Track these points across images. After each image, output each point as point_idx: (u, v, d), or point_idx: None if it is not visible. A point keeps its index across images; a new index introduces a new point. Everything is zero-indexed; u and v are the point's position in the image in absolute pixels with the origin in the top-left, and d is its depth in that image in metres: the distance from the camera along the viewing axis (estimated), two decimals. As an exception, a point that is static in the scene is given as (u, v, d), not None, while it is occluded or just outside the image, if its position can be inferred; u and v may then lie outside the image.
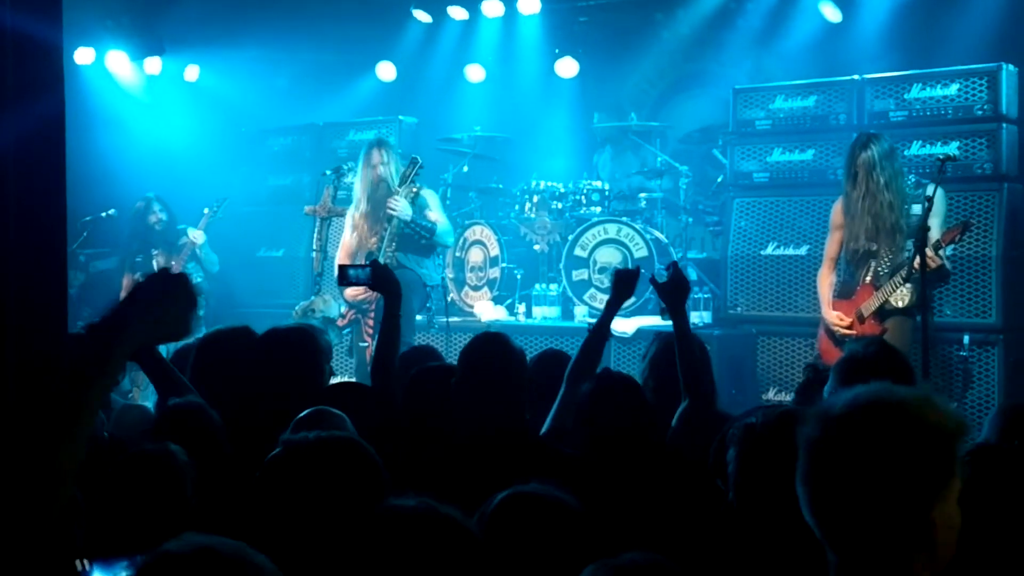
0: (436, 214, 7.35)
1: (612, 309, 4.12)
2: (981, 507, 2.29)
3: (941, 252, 5.75)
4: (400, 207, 7.05)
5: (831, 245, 6.42)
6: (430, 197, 7.42)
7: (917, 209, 6.00)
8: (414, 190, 7.15)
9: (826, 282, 6.38)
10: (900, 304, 6.01)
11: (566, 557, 2.18)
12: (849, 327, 6.11)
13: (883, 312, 6.05)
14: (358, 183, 7.37)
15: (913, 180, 6.19)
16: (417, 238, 7.20)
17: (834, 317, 6.17)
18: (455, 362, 3.73)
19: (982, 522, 2.25)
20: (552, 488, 2.33)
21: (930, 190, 5.96)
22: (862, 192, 6.02)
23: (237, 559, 1.70)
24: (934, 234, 5.86)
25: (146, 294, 1.96)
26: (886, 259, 6.06)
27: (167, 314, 1.97)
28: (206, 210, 8.55)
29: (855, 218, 6.08)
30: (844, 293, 6.28)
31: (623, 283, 4.16)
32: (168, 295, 1.97)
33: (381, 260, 7.22)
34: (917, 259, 5.78)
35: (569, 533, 2.28)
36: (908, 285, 5.95)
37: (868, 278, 6.13)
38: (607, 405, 3.44)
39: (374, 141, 7.47)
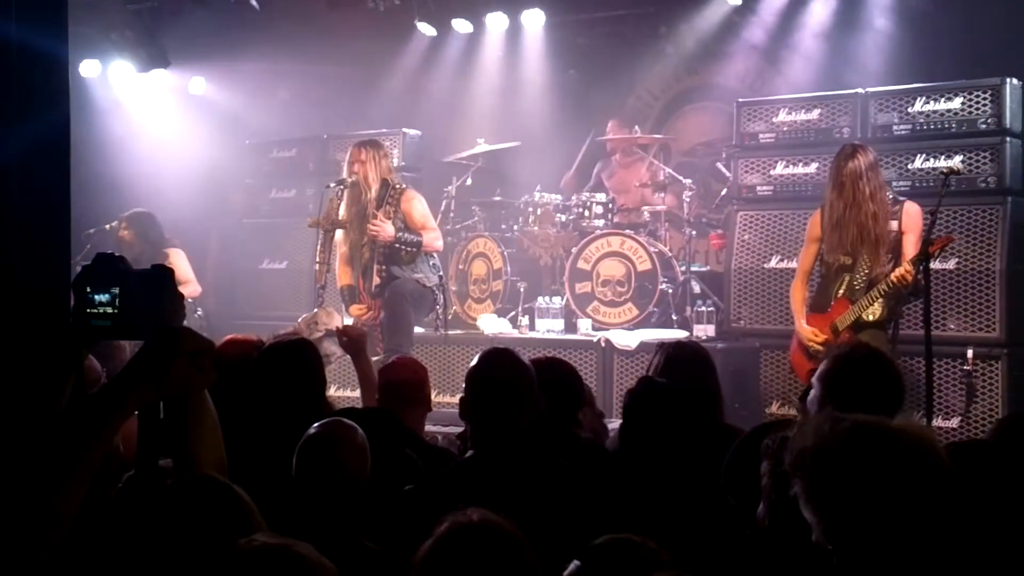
0: (422, 221, 7.34)
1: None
2: (962, 501, 2.30)
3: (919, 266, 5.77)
4: (381, 230, 7.08)
5: (805, 259, 6.41)
6: (414, 203, 7.35)
7: (892, 224, 6.02)
8: (393, 200, 7.17)
9: (799, 296, 6.38)
10: (872, 318, 6.02)
11: None
12: (823, 343, 6.11)
13: (858, 325, 6.05)
14: (346, 190, 7.40)
15: (891, 196, 6.18)
16: (404, 253, 7.24)
17: (809, 333, 6.18)
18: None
19: (964, 516, 2.27)
20: (494, 516, 2.27)
21: (908, 206, 6.03)
22: (848, 202, 6.01)
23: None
24: (908, 250, 5.91)
25: (153, 351, 1.97)
26: (862, 273, 6.06)
27: (176, 369, 1.98)
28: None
29: (839, 228, 6.06)
30: (817, 307, 6.28)
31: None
32: (174, 351, 1.98)
33: (373, 278, 7.24)
34: (894, 273, 5.82)
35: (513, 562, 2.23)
36: (881, 300, 5.96)
37: (842, 291, 6.13)
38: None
39: (361, 141, 7.51)
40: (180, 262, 8.17)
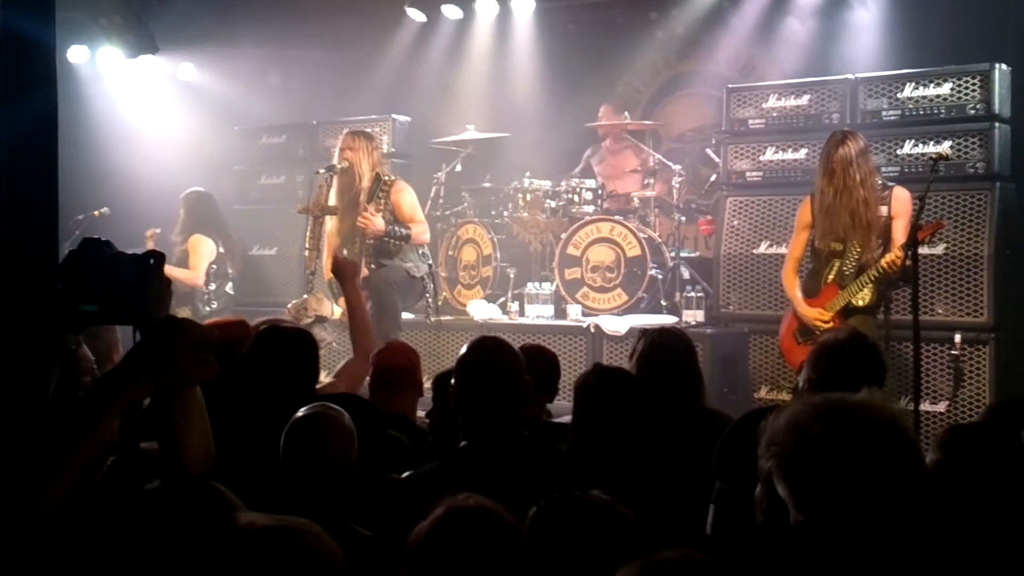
0: (410, 213, 7.36)
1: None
2: (958, 484, 2.34)
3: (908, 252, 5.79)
4: (370, 223, 7.10)
5: (795, 246, 6.42)
6: (404, 195, 7.38)
7: (882, 210, 6.04)
8: (383, 194, 7.19)
9: (793, 283, 6.38)
10: (861, 303, 6.04)
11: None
12: (828, 322, 6.12)
13: (847, 311, 6.07)
14: (335, 176, 7.42)
15: (880, 182, 6.20)
16: (392, 245, 7.27)
17: (815, 314, 6.19)
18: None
19: (959, 498, 2.30)
20: (489, 501, 2.30)
21: (897, 191, 6.05)
22: (839, 188, 6.02)
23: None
24: (898, 235, 5.92)
25: (152, 343, 1.96)
26: (852, 258, 6.07)
27: (176, 361, 1.96)
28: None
29: (829, 214, 6.07)
30: (808, 293, 6.29)
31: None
32: (173, 343, 1.96)
33: (362, 270, 7.26)
34: (885, 259, 5.85)
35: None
36: (871, 285, 5.98)
37: (832, 277, 6.15)
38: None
39: (353, 130, 7.56)
40: (197, 248, 8.43)
